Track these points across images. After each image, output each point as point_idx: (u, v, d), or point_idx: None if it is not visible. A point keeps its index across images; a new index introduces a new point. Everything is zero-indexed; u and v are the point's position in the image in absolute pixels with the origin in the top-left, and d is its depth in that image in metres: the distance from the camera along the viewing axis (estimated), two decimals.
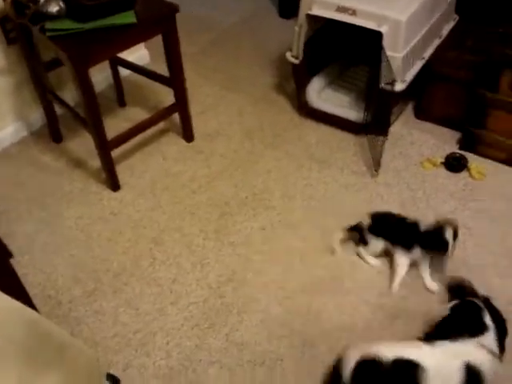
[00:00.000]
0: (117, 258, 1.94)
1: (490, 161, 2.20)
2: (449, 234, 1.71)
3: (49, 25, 1.88)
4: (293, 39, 2.35)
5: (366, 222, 1.82)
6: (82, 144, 2.41)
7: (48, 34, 1.86)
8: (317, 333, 1.66)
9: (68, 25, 1.87)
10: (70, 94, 2.51)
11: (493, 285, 1.75)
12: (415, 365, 1.31)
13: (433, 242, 1.72)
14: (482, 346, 1.36)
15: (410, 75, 2.21)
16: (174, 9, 2.00)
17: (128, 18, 1.91)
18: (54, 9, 1.88)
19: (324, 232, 1.97)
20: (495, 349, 1.38)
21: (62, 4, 1.89)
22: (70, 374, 1.07)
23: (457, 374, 1.31)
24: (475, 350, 1.35)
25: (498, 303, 1.63)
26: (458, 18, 2.56)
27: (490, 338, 1.39)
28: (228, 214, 2.08)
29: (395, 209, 2.03)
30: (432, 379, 1.30)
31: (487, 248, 1.88)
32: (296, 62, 2.37)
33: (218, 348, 1.64)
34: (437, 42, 2.39)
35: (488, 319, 1.42)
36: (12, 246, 1.91)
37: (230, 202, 2.13)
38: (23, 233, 2.05)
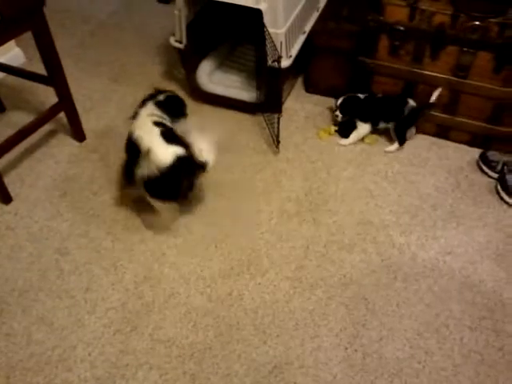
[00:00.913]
0: (21, 274, 1.81)
1: None
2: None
3: None
4: (174, 23, 2.29)
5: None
6: None
7: None
8: (241, 315, 1.67)
9: None
10: None
11: (399, 243, 1.87)
12: None
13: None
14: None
15: (294, 50, 2.26)
16: (40, 1, 1.86)
17: None
18: None
19: (235, 216, 1.98)
20: None
21: None
22: None
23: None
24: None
25: (404, 260, 1.76)
26: None
27: None
28: (135, 211, 2.01)
29: (299, 182, 2.10)
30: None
31: (388, 207, 2.00)
32: (180, 46, 2.32)
33: (143, 349, 1.60)
34: (315, 15, 2.46)
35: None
36: None
37: (136, 199, 2.04)
38: None
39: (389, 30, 2.07)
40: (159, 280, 1.78)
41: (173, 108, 2.00)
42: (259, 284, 1.75)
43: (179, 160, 1.72)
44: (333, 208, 2.00)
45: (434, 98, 2.13)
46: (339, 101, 2.25)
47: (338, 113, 2.26)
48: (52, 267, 1.84)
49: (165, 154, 1.72)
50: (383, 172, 2.14)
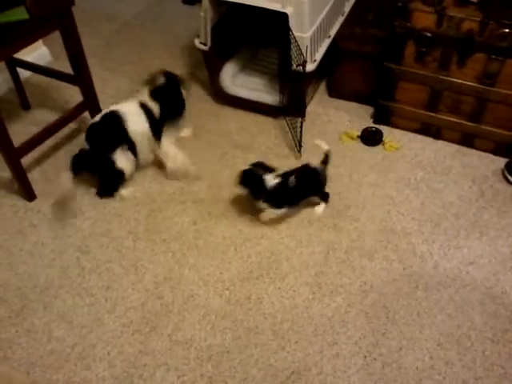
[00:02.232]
0: (43, 271, 1.83)
1: (404, 131, 2.31)
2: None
3: None
4: (199, 25, 2.30)
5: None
6: None
7: None
8: (260, 319, 1.67)
9: None
10: None
11: (420, 251, 1.85)
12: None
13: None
14: None
15: (319, 55, 2.25)
16: (70, 1, 1.88)
17: (19, 14, 1.77)
18: None
19: (255, 219, 1.97)
20: None
21: None
22: None
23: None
24: None
25: (425, 268, 1.74)
26: None
27: None
28: (157, 212, 2.02)
29: None
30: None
31: (410, 215, 1.98)
32: (205, 48, 2.33)
33: (162, 350, 1.61)
34: (340, 20, 2.45)
35: None
36: None
37: (157, 199, 2.07)
38: None
39: (416, 36, 2.05)
40: (179, 281, 1.79)
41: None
42: (278, 288, 1.75)
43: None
44: (354, 214, 1.98)
45: (324, 147, 1.98)
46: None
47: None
48: (73, 265, 1.86)
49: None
50: (406, 179, 2.12)
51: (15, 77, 2.34)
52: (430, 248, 1.86)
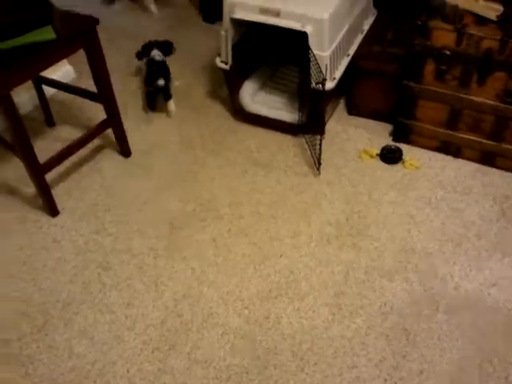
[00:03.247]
0: (65, 287, 1.86)
1: (423, 150, 2.30)
2: None
3: None
4: (220, 44, 2.33)
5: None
6: (13, 170, 2.28)
7: None
8: (279, 340, 1.67)
9: None
10: None
11: (441, 272, 1.83)
12: None
13: None
14: None
15: (338, 73, 2.26)
16: (94, 22, 1.93)
17: (47, 34, 1.82)
18: None
19: (274, 237, 1.98)
20: None
21: None
22: None
23: None
24: None
25: (446, 290, 1.72)
26: (376, 12, 2.65)
27: None
28: (177, 229, 2.04)
29: (340, 205, 2.09)
30: None
31: (431, 235, 1.96)
32: (226, 67, 2.36)
33: (181, 369, 1.62)
34: (360, 38, 2.46)
35: None
36: None
37: (177, 216, 2.09)
38: None
39: (435, 54, 2.05)
40: (198, 299, 1.80)
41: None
42: (297, 309, 1.75)
43: None
44: (374, 233, 1.98)
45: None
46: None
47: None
48: (95, 281, 1.88)
49: None
50: (426, 198, 2.11)
51: (41, 94, 2.40)
52: (451, 269, 1.84)
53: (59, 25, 1.86)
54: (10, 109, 1.78)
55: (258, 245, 1.97)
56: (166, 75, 2.61)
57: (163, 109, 2.60)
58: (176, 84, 2.72)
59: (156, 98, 2.62)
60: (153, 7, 3.39)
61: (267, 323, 1.71)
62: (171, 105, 2.59)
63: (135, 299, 1.81)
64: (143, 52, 2.67)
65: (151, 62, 2.60)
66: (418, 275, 1.83)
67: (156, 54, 2.62)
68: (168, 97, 2.59)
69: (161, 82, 2.55)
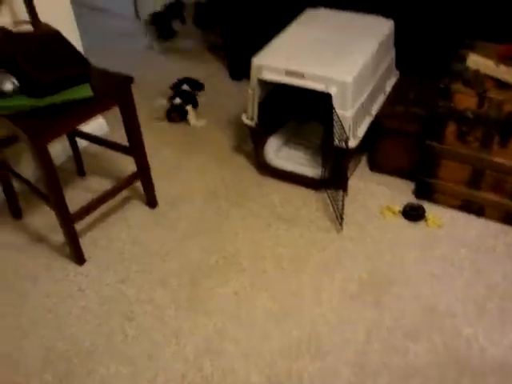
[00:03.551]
0: (88, 336, 1.88)
1: (446, 208, 2.32)
2: None
3: (3, 102, 1.84)
4: (247, 102, 2.42)
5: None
6: (43, 218, 2.37)
7: (2, 112, 1.83)
8: None
9: (23, 102, 1.85)
10: (27, 169, 2.48)
11: (466, 334, 1.81)
12: None
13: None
14: None
15: (361, 131, 2.33)
16: (129, 80, 2.04)
17: (84, 91, 1.91)
18: (8, 87, 1.86)
19: (296, 292, 1.99)
20: None
21: (15, 81, 1.87)
22: None
23: None
24: None
25: (471, 353, 1.69)
26: (399, 73, 2.73)
27: None
28: (200, 281, 2.07)
29: (362, 261, 2.10)
30: None
31: (454, 295, 1.95)
32: (252, 124, 2.44)
33: None
34: (382, 98, 2.54)
35: None
36: None
37: (200, 268, 2.12)
38: None
39: (457, 116, 2.10)
40: (219, 353, 1.80)
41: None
42: (319, 368, 1.73)
43: None
44: (397, 291, 1.97)
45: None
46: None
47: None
48: (117, 331, 1.90)
49: None
50: (449, 257, 2.10)
51: (74, 146, 2.50)
52: (476, 331, 1.81)
53: (96, 82, 1.96)
54: (47, 160, 1.87)
55: (279, 300, 1.97)
56: (193, 102, 3.05)
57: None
58: (200, 124, 3.01)
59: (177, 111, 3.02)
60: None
61: (289, 382, 1.70)
62: (192, 116, 2.99)
63: (156, 351, 1.82)
64: (175, 86, 3.10)
65: (179, 92, 3.06)
66: (442, 336, 1.80)
67: (186, 87, 3.09)
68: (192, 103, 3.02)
69: (176, 101, 3.00)
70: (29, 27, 2.14)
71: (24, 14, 2.15)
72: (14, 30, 2.03)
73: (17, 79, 1.88)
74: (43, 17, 2.16)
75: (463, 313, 1.88)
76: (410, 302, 1.93)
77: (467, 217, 2.28)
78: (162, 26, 3.74)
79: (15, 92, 1.88)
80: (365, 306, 1.93)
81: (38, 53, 1.90)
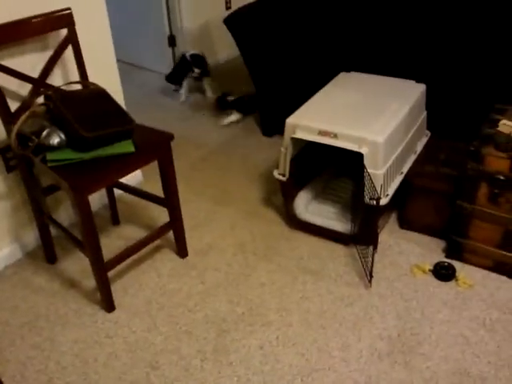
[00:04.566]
0: None
1: (477, 268, 2.28)
2: None
3: (50, 155, 1.95)
4: (279, 158, 2.49)
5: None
6: (76, 264, 2.43)
7: (49, 164, 1.93)
8: None
9: (68, 155, 1.95)
10: (64, 215, 2.58)
11: None
12: None
13: None
14: None
15: (391, 189, 2.35)
16: (169, 137, 2.13)
17: (126, 147, 2.00)
18: (55, 140, 1.97)
19: (323, 348, 1.97)
20: None
21: (62, 136, 1.98)
22: None
23: None
24: None
25: None
26: (429, 133, 2.78)
27: None
28: (225, 332, 2.07)
29: (391, 320, 2.06)
30: None
31: (486, 358, 1.89)
32: (283, 179, 2.50)
33: None
34: (413, 158, 2.57)
35: None
36: (4, 376, 1.85)
37: (226, 319, 2.12)
38: (16, 360, 1.98)
39: (488, 178, 2.11)
40: None
41: None
42: None
43: None
44: (427, 352, 1.92)
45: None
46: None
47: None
48: (142, 380, 1.90)
49: None
50: (480, 319, 2.06)
51: (111, 196, 2.60)
52: None
53: (138, 138, 2.06)
54: (86, 211, 1.94)
55: (305, 356, 1.95)
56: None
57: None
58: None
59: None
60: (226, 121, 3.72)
61: None
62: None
63: None
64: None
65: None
66: None
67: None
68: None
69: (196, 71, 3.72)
70: (78, 86, 2.30)
71: (75, 74, 2.31)
72: (66, 89, 2.17)
73: (64, 134, 1.99)
74: (92, 77, 2.32)
75: (495, 377, 1.82)
76: (440, 364, 1.88)
77: (499, 278, 2.24)
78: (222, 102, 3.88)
79: (61, 146, 1.99)
80: (394, 367, 1.88)
81: (86, 110, 2.01)
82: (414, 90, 2.56)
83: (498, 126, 2.13)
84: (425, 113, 2.69)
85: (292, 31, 3.08)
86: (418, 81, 2.62)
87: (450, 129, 2.73)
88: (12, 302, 2.26)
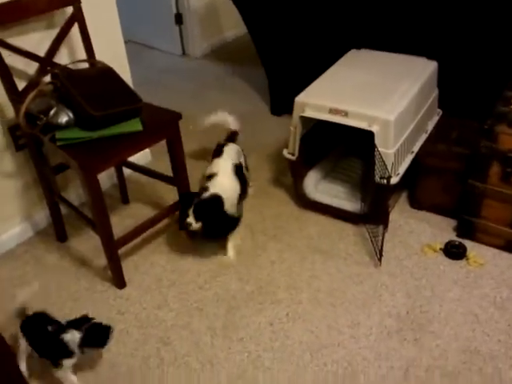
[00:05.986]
0: (125, 360, 1.91)
1: (488, 247, 2.27)
2: None
3: (59, 134, 1.95)
4: (288, 138, 2.47)
5: None
6: (87, 242, 2.45)
7: (58, 143, 1.93)
8: None
9: (77, 134, 1.94)
10: (74, 194, 2.59)
11: (508, 377, 1.74)
12: None
13: None
14: None
15: (402, 168, 2.33)
16: (178, 116, 2.12)
17: (135, 126, 1.99)
18: (63, 119, 1.97)
19: (332, 326, 1.98)
20: None
21: (70, 114, 1.98)
22: None
23: None
24: None
25: None
26: (441, 112, 2.74)
27: None
28: (235, 309, 2.08)
29: (401, 298, 2.06)
30: None
31: (496, 336, 1.89)
32: (293, 158, 2.48)
33: None
34: (424, 137, 2.54)
35: None
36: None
37: (236, 297, 2.14)
38: None
39: (501, 157, 2.08)
40: (252, 383, 1.79)
41: None
42: None
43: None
44: (436, 330, 1.93)
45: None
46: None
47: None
48: (154, 355, 1.92)
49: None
50: (491, 297, 2.05)
51: (120, 175, 2.60)
52: None
53: (146, 117, 2.05)
54: (96, 189, 1.95)
55: (315, 332, 1.96)
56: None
57: None
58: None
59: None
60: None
61: None
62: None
63: (191, 377, 1.83)
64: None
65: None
66: (483, 379, 1.74)
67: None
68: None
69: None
70: (85, 65, 2.28)
71: (82, 53, 2.29)
72: (73, 67, 2.16)
73: (72, 113, 1.98)
74: (98, 55, 2.30)
75: (505, 356, 1.82)
76: (449, 341, 1.88)
77: (510, 256, 2.23)
78: None
79: (70, 124, 1.98)
80: (403, 344, 1.89)
81: (93, 89, 2.00)
82: (426, 68, 2.52)
83: (511, 104, 2.10)
84: (436, 91, 2.65)
85: (300, 8, 3.02)
86: (430, 57, 2.57)
87: (462, 107, 2.69)
88: (24, 279, 2.28)
